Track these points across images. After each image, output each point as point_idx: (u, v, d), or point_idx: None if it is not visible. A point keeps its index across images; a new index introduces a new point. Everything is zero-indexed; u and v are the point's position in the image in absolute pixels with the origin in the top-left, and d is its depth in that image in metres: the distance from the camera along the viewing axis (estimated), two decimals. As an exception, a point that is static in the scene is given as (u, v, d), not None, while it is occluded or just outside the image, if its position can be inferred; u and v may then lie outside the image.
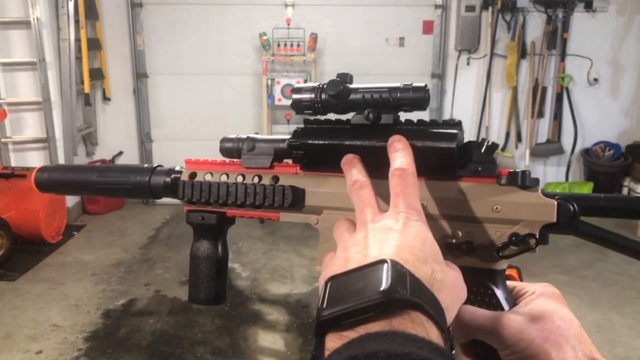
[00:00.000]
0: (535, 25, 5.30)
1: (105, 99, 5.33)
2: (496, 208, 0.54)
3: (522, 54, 5.31)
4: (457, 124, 0.56)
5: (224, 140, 0.69)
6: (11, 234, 3.92)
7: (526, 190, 0.53)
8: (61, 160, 4.68)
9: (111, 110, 5.39)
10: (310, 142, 0.61)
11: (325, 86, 0.61)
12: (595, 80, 5.40)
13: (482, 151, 0.54)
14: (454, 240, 0.56)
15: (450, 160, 0.55)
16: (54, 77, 4.55)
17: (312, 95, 0.62)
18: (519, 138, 5.53)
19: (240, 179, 0.67)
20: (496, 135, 5.53)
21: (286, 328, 3.08)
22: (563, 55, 5.31)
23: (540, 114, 5.48)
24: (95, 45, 5.03)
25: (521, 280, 1.38)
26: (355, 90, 0.60)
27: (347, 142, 0.59)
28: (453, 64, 5.37)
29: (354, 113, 0.61)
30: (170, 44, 5.23)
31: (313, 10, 5.16)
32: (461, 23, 5.25)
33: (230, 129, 4.76)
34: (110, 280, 3.67)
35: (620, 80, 5.46)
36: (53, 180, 0.78)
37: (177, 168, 0.72)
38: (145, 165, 0.74)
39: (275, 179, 0.65)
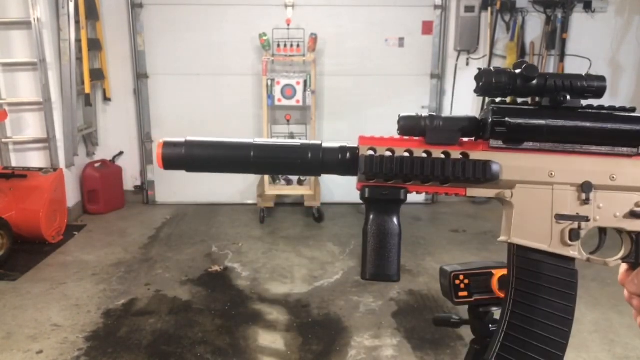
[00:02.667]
0: (535, 25, 5.31)
1: (106, 99, 5.34)
2: None
3: (522, 54, 5.31)
4: (634, 109, 0.66)
5: (406, 118, 0.69)
6: (12, 234, 3.93)
7: None
8: (62, 160, 4.69)
9: (112, 111, 5.40)
10: (514, 120, 0.65)
11: (522, 71, 0.66)
12: (595, 80, 5.40)
13: None
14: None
15: (636, 139, 0.64)
16: (54, 77, 4.56)
17: (506, 79, 0.66)
18: (518, 138, 5.53)
19: (425, 155, 0.67)
20: (496, 135, 5.53)
21: (286, 328, 3.09)
22: (562, 56, 5.32)
23: (540, 114, 5.49)
24: (95, 45, 5.04)
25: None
26: (543, 76, 0.66)
27: (548, 122, 0.65)
28: (452, 65, 5.38)
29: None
30: (171, 44, 5.24)
31: (313, 11, 5.17)
32: (460, 23, 5.26)
33: (230, 129, 4.80)
34: (111, 280, 3.68)
35: (620, 80, 5.47)
36: (199, 159, 0.75)
37: (347, 145, 0.71)
38: (308, 142, 0.72)
39: (465, 155, 0.67)
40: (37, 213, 4.12)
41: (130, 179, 5.57)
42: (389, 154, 0.68)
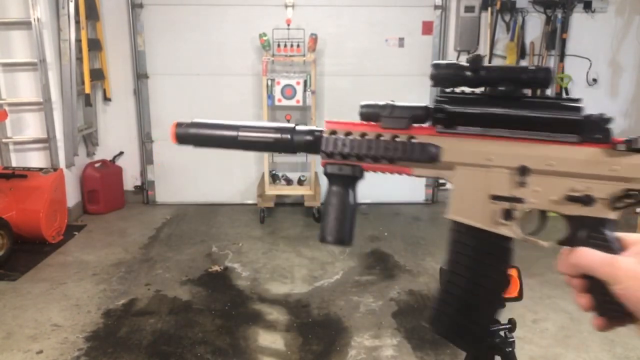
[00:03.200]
0: (535, 25, 5.31)
1: (106, 99, 5.34)
2: (612, 168, 0.65)
3: (522, 54, 5.32)
4: (579, 100, 0.68)
5: (365, 106, 0.77)
6: (12, 234, 3.93)
7: (637, 154, 0.64)
8: (62, 160, 4.70)
9: (112, 111, 5.40)
10: (453, 107, 0.72)
11: (466, 63, 0.72)
12: (595, 80, 5.41)
13: (601, 122, 0.66)
14: (576, 194, 0.67)
15: (576, 128, 0.67)
16: (54, 77, 4.56)
17: (454, 70, 0.72)
18: (518, 138, 5.54)
19: (379, 137, 0.76)
20: (496, 135, 5.54)
21: (286, 328, 3.09)
22: (562, 56, 5.32)
23: (540, 114, 5.49)
24: (95, 45, 5.04)
25: (520, 280, 1.40)
26: (492, 68, 0.71)
27: (486, 109, 0.71)
28: (452, 65, 5.37)
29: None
30: (171, 44, 5.24)
31: (313, 11, 5.17)
32: (460, 24, 5.26)
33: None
34: (111, 280, 3.68)
35: (620, 80, 5.47)
36: (196, 136, 0.88)
37: (316, 128, 0.81)
38: (284, 124, 0.82)
39: (411, 137, 0.74)
40: (37, 213, 4.13)
41: (131, 179, 5.57)
42: (346, 136, 0.77)
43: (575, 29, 5.30)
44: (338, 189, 0.79)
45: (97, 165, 5.21)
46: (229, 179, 5.53)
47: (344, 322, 3.12)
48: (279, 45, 4.99)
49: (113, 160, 5.43)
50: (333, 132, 0.78)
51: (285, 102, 4.92)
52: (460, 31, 5.28)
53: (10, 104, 4.54)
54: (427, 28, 5.30)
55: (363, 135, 0.76)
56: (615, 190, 0.64)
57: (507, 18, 5.24)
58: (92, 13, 4.91)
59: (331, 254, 4.18)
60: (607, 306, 0.63)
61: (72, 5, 4.52)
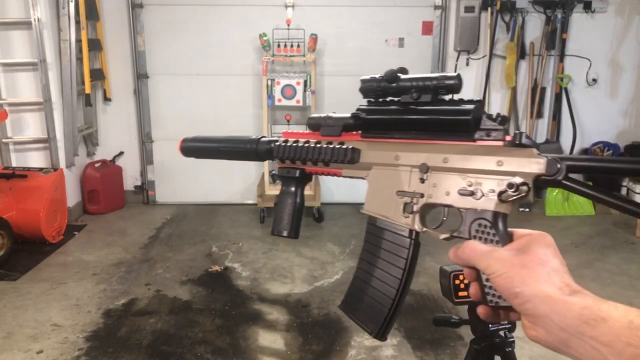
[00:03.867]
0: (535, 25, 5.31)
1: (106, 99, 5.34)
2: (499, 162, 0.68)
3: (521, 54, 5.32)
4: (477, 102, 0.73)
5: (311, 117, 0.91)
6: (12, 234, 3.93)
7: (523, 149, 0.67)
8: (62, 160, 4.70)
9: (112, 111, 5.40)
10: (366, 116, 0.83)
11: (383, 76, 0.79)
12: (594, 80, 5.41)
13: (495, 122, 0.71)
14: (468, 188, 0.71)
15: (466, 127, 0.72)
16: (54, 77, 4.57)
17: (374, 83, 0.80)
18: (518, 138, 5.53)
19: (317, 143, 0.88)
20: (495, 135, 5.54)
21: (286, 328, 3.09)
22: (562, 56, 5.33)
23: (539, 115, 5.50)
24: (95, 45, 5.05)
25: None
26: (405, 79, 0.78)
27: (393, 116, 0.79)
28: (452, 65, 5.38)
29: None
30: (171, 44, 5.25)
31: (313, 11, 5.17)
32: (460, 24, 5.26)
33: (230, 129, 4.80)
34: (111, 280, 3.69)
35: (619, 80, 5.47)
36: (194, 148, 1.06)
37: (276, 138, 0.95)
38: (254, 136, 0.99)
39: (342, 143, 0.85)
40: (37, 213, 4.13)
41: (131, 179, 5.58)
42: (293, 144, 0.90)
43: (575, 29, 5.30)
44: (287, 189, 0.94)
45: (97, 165, 5.21)
46: (229, 179, 5.53)
47: (344, 322, 3.12)
48: (279, 46, 4.99)
49: (113, 160, 5.44)
50: (285, 141, 0.92)
51: (285, 102, 4.93)
52: (460, 31, 5.28)
53: (10, 104, 4.54)
54: (427, 28, 5.30)
55: (306, 142, 0.89)
56: (502, 184, 0.67)
57: (507, 18, 5.25)
58: (92, 13, 4.91)
59: (331, 254, 4.19)
60: (489, 296, 0.66)
61: (72, 5, 4.52)
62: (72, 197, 4.88)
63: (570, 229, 4.76)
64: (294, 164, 0.92)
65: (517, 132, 0.68)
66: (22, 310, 3.23)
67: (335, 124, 0.87)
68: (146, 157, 5.51)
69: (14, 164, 4.53)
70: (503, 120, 0.70)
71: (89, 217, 5.08)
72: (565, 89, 5.38)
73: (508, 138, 0.69)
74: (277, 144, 0.93)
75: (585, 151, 5.48)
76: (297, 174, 0.92)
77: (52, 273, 3.78)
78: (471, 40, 5.30)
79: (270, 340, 2.96)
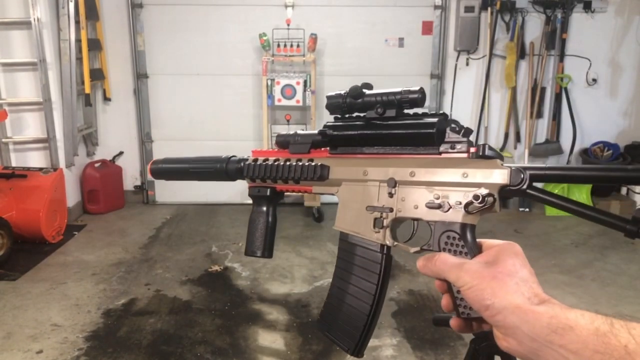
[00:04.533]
0: (534, 25, 5.31)
1: (106, 99, 5.34)
2: (464, 174, 0.68)
3: (521, 54, 5.32)
4: (441, 114, 0.73)
5: (279, 135, 0.90)
6: (12, 234, 3.93)
7: (487, 160, 0.68)
8: (62, 160, 4.70)
9: (112, 111, 5.40)
10: (333, 132, 0.82)
11: (347, 93, 0.80)
12: (594, 80, 5.41)
13: (460, 134, 0.71)
14: (435, 201, 0.71)
15: (431, 140, 0.72)
16: (54, 77, 4.56)
17: (340, 100, 0.80)
18: (517, 138, 5.54)
19: (286, 161, 0.87)
20: (495, 135, 5.54)
21: (286, 328, 3.09)
22: (562, 56, 5.32)
23: (539, 114, 5.49)
24: (95, 45, 5.04)
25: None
26: (370, 94, 0.78)
27: (359, 132, 0.79)
28: (452, 65, 5.38)
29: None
30: (171, 44, 5.24)
31: (313, 11, 5.17)
32: (460, 24, 5.26)
33: (230, 129, 4.78)
34: (111, 279, 3.68)
35: (619, 80, 5.47)
36: (164, 170, 1.02)
37: (245, 157, 0.94)
38: (224, 155, 0.96)
39: (311, 160, 0.85)
40: (37, 213, 4.13)
41: (130, 179, 5.58)
42: (263, 162, 0.90)
43: (575, 29, 5.30)
44: (259, 209, 0.93)
45: (97, 165, 5.21)
46: (229, 178, 5.53)
47: (344, 322, 3.12)
48: (279, 45, 4.99)
49: (113, 160, 5.43)
50: (255, 160, 0.91)
51: (285, 102, 4.93)
52: (460, 31, 5.28)
53: (10, 104, 4.54)
54: (427, 28, 5.30)
55: (276, 160, 0.89)
56: (468, 196, 0.68)
57: (507, 18, 5.25)
58: (92, 13, 4.91)
59: (331, 254, 4.19)
60: (461, 308, 0.67)
61: (72, 5, 4.52)
62: (72, 197, 4.88)
63: (570, 229, 4.76)
64: (265, 183, 0.91)
65: (480, 144, 0.69)
66: (22, 310, 3.23)
67: (303, 142, 0.87)
68: (146, 157, 5.50)
69: (13, 164, 4.53)
70: (467, 132, 0.71)
71: (89, 217, 5.08)
72: (565, 89, 5.38)
73: (472, 150, 0.69)
74: (247, 162, 0.92)
75: (585, 151, 5.48)
76: (268, 193, 0.91)
77: (51, 273, 3.78)
78: (471, 40, 5.30)
79: (270, 340, 2.96)
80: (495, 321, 0.58)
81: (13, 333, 2.96)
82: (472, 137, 0.73)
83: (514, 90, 5.40)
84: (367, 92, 0.78)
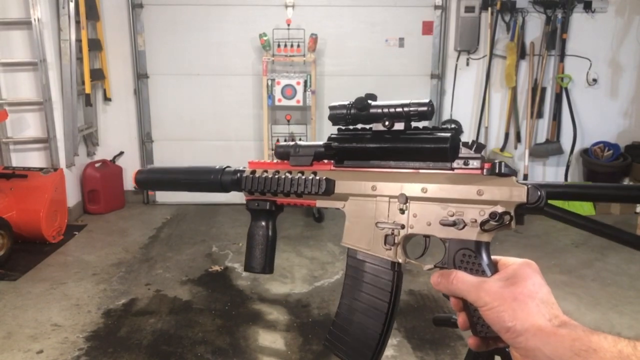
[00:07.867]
0: (535, 25, 5.31)
1: (106, 99, 5.34)
2: (479, 192, 0.67)
3: (522, 54, 5.32)
4: (453, 129, 0.71)
5: (278, 146, 0.87)
6: (12, 234, 3.93)
7: (503, 177, 0.66)
8: (62, 160, 4.70)
9: (112, 111, 5.40)
10: (340, 144, 0.79)
11: (353, 103, 0.77)
12: (595, 80, 5.41)
13: (472, 150, 0.69)
14: (449, 218, 0.69)
15: (444, 156, 0.70)
16: (54, 77, 4.56)
17: (344, 111, 0.77)
18: (518, 138, 5.54)
19: (288, 174, 0.84)
20: (495, 135, 5.54)
21: (286, 328, 3.09)
22: (562, 56, 5.32)
23: (540, 114, 5.50)
24: (96, 45, 5.05)
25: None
26: (376, 105, 0.75)
27: (368, 145, 0.76)
28: (452, 65, 5.38)
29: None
30: (171, 44, 5.25)
31: (313, 11, 5.17)
32: (461, 24, 5.26)
33: (230, 129, 4.79)
34: (111, 280, 3.68)
35: (619, 80, 5.47)
36: (151, 180, 0.98)
37: (241, 168, 0.91)
38: (217, 166, 0.93)
39: (314, 173, 0.82)
40: (37, 213, 4.13)
41: (131, 179, 5.56)
42: (264, 174, 0.86)
43: (575, 29, 5.30)
44: (258, 223, 0.90)
45: (97, 165, 5.21)
46: (229, 179, 5.53)
47: (344, 322, 3.12)
48: (279, 46, 4.99)
49: (113, 160, 5.43)
50: (253, 172, 0.88)
51: (285, 102, 4.93)
52: (461, 31, 5.28)
53: (10, 104, 4.54)
54: (427, 28, 5.30)
55: (276, 173, 0.85)
56: (484, 213, 0.67)
57: (507, 18, 5.25)
58: (92, 13, 4.91)
59: (331, 254, 4.19)
60: (479, 327, 0.66)
61: (72, 5, 4.52)
62: (72, 197, 4.88)
63: (570, 229, 4.73)
64: (264, 196, 0.87)
65: (495, 161, 0.67)
66: (22, 310, 3.23)
67: (306, 154, 0.83)
68: (146, 157, 5.51)
69: (14, 164, 4.53)
70: (479, 147, 0.69)
71: (89, 217, 5.08)
72: (566, 89, 5.38)
73: (486, 166, 0.68)
74: (245, 175, 0.88)
75: (585, 151, 5.48)
76: (268, 207, 0.88)
77: (52, 273, 3.78)
78: (471, 40, 5.30)
79: (270, 340, 2.96)
80: (517, 343, 0.58)
81: (13, 333, 2.96)
82: (472, 138, 0.72)
83: (514, 90, 5.40)
84: (372, 103, 0.76)
